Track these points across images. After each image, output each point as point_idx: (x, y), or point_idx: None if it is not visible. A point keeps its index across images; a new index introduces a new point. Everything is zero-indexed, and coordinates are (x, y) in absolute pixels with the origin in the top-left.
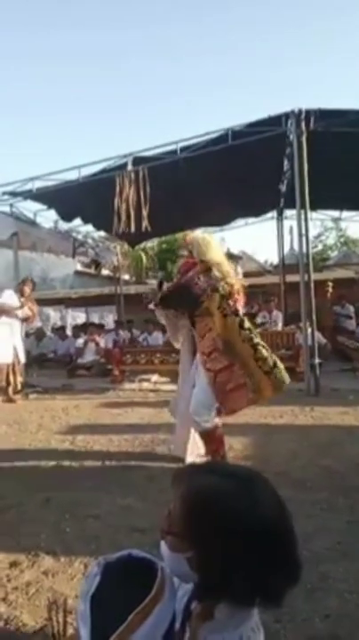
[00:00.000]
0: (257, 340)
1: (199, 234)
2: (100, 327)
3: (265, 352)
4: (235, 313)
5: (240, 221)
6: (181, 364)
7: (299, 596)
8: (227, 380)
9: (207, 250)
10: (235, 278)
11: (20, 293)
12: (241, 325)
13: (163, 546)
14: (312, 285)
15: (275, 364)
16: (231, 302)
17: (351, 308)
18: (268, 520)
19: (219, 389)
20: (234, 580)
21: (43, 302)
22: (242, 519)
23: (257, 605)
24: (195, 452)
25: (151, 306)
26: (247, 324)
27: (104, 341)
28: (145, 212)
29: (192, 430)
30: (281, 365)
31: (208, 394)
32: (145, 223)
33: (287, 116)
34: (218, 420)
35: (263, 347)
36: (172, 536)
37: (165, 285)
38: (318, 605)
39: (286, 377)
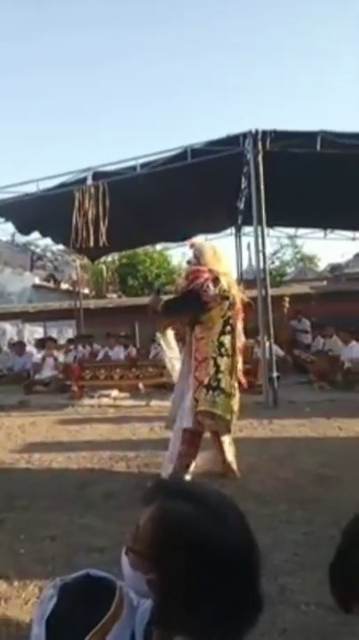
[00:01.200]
0: (236, 358)
1: (207, 242)
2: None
3: (232, 377)
4: (232, 326)
5: (199, 237)
6: (179, 379)
7: None
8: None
9: (216, 259)
10: (238, 291)
11: None
12: (232, 338)
13: (125, 561)
14: (269, 300)
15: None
16: (231, 313)
17: (307, 323)
18: (237, 553)
19: (198, 400)
20: (193, 610)
21: None
22: (210, 550)
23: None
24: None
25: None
26: (234, 339)
27: (63, 357)
28: (103, 228)
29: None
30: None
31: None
32: (103, 239)
33: (244, 135)
34: (206, 431)
35: (235, 368)
36: (135, 554)
37: (162, 294)
38: (277, 619)
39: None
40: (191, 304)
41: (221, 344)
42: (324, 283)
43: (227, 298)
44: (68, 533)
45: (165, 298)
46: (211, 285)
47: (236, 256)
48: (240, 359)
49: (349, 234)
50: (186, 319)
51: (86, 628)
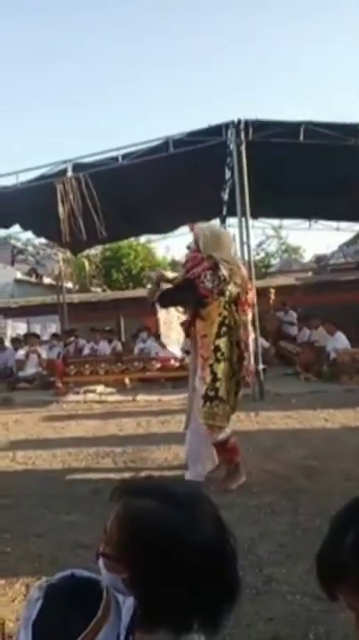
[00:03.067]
0: (235, 358)
1: (208, 225)
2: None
3: (230, 373)
4: (230, 323)
5: (185, 229)
6: (190, 374)
7: (244, 601)
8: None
9: (215, 244)
10: (242, 279)
11: None
12: (229, 337)
13: (100, 564)
14: (254, 292)
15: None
16: (235, 308)
17: (294, 314)
18: (208, 545)
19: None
20: (169, 605)
21: None
22: (179, 545)
23: (195, 629)
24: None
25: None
26: (236, 336)
27: (46, 352)
28: (96, 219)
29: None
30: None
31: (201, 440)
32: (99, 228)
33: (227, 126)
34: (229, 431)
35: (231, 365)
36: (107, 558)
37: (163, 284)
38: (262, 609)
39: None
40: (187, 295)
41: (217, 348)
42: (310, 274)
43: (223, 294)
44: (54, 531)
45: (162, 288)
46: (208, 276)
47: None
48: (247, 356)
49: (333, 224)
50: (187, 311)
51: (73, 631)
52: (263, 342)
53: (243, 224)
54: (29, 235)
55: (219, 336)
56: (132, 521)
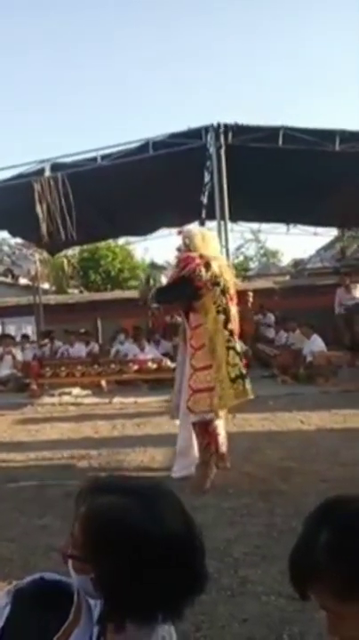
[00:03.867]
0: (233, 343)
1: (195, 227)
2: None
3: (237, 359)
4: (225, 311)
5: (164, 231)
6: (178, 366)
7: (219, 603)
8: (202, 379)
9: (205, 244)
10: (230, 275)
11: None
12: (225, 325)
13: (69, 567)
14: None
15: (241, 374)
16: (225, 299)
17: (272, 317)
18: (171, 537)
19: (191, 386)
20: (137, 600)
21: None
22: (142, 538)
23: (160, 620)
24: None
25: (152, 304)
26: (230, 325)
27: (21, 354)
28: (69, 220)
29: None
30: (247, 377)
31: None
32: (70, 230)
33: (206, 129)
34: (213, 416)
35: (236, 353)
36: (74, 559)
37: (152, 282)
38: (237, 610)
39: (250, 390)
40: (184, 290)
41: (213, 336)
42: (287, 278)
43: (218, 284)
44: (27, 534)
45: (157, 286)
46: (203, 270)
47: None
48: (238, 343)
49: (311, 229)
50: (180, 306)
51: (45, 636)
52: (242, 345)
53: (222, 227)
54: (5, 234)
55: (216, 323)
56: (95, 518)
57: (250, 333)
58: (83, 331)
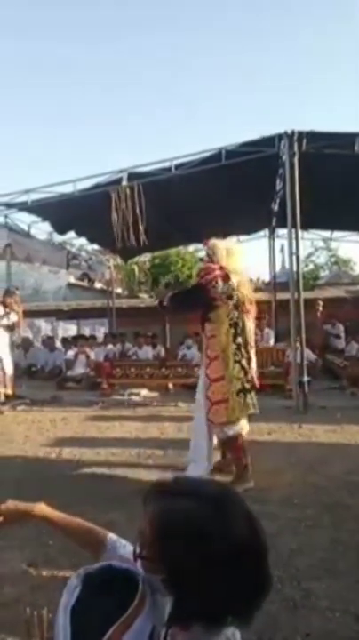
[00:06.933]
0: (239, 357)
1: (221, 240)
2: (93, 339)
3: (242, 373)
4: (236, 325)
5: (232, 239)
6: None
7: (281, 613)
8: (218, 390)
9: (228, 256)
10: (248, 289)
11: (3, 305)
12: (234, 338)
13: (138, 565)
14: (302, 303)
15: (243, 388)
16: (238, 312)
17: (341, 328)
18: (240, 541)
19: (210, 398)
20: (205, 601)
21: (34, 314)
22: (212, 542)
23: (229, 623)
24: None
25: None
26: (239, 339)
27: (94, 354)
28: (142, 228)
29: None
30: (250, 392)
31: (203, 438)
32: (142, 238)
33: (280, 137)
34: (238, 429)
35: (242, 367)
36: (144, 560)
37: (171, 288)
38: (300, 623)
39: (252, 405)
40: (197, 298)
41: (226, 347)
42: None
43: (232, 297)
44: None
45: (171, 291)
46: (220, 282)
47: (270, 258)
48: (253, 358)
49: None
50: (195, 314)
51: (109, 618)
52: (309, 354)
53: (293, 235)
54: (83, 241)
55: (228, 336)
56: (163, 522)
57: (318, 344)
58: (150, 334)
